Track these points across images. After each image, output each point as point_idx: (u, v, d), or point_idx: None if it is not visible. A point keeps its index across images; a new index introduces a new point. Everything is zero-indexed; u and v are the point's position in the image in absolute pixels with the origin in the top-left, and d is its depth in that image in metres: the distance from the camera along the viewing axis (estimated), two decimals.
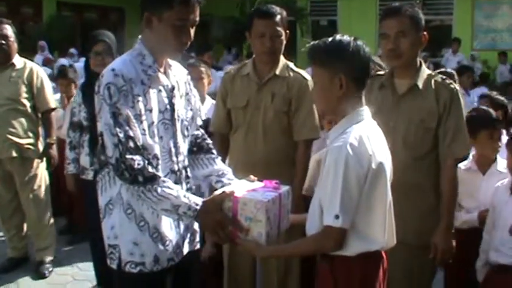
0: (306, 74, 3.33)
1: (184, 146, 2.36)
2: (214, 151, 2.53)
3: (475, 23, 13.23)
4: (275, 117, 3.19)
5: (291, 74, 3.24)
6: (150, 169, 2.08)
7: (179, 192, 2.11)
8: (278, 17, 3.11)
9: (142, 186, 2.07)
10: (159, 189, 2.08)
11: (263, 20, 3.11)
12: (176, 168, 2.28)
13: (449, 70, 4.96)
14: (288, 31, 3.23)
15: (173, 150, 2.27)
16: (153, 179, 2.08)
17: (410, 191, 2.72)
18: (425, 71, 2.80)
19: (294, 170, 3.23)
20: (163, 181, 2.11)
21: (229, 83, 3.33)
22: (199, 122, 2.51)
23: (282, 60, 3.27)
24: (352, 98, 2.06)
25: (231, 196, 2.09)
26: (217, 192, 2.18)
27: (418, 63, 2.80)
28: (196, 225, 2.42)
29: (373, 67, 5.18)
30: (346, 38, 2.06)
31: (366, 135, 2.01)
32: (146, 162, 2.10)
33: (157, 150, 2.20)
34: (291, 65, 3.33)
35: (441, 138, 2.72)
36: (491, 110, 3.46)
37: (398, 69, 2.77)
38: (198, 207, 2.10)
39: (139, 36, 2.27)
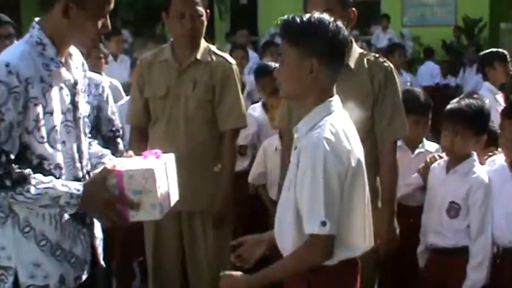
0: (230, 57, 3.34)
1: (86, 148, 2.30)
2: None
3: None
4: (198, 107, 3.18)
5: (214, 58, 3.23)
6: (16, 169, 1.98)
7: (55, 182, 2.03)
8: None
9: (12, 191, 1.98)
10: (32, 189, 1.99)
11: None
12: (81, 174, 2.22)
13: None
14: (208, 10, 3.23)
15: (77, 155, 2.20)
16: (22, 179, 1.98)
17: None
18: (356, 50, 2.85)
19: (221, 162, 3.24)
20: (34, 177, 2.00)
21: (145, 70, 3.29)
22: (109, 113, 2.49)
23: (203, 43, 3.26)
24: (323, 86, 2.01)
25: (114, 171, 2.06)
26: (96, 171, 2.14)
27: (350, 41, 2.85)
28: (100, 234, 2.39)
29: None
30: (326, 17, 2.00)
31: (341, 128, 1.97)
32: (11, 161, 1.98)
33: (59, 158, 2.11)
34: (214, 48, 3.32)
35: (378, 121, 2.79)
36: (421, 94, 3.57)
37: None
38: (80, 193, 2.04)
39: (36, 20, 2.13)
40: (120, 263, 4.16)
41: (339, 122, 1.99)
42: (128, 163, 2.15)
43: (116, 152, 2.65)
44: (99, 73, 5.18)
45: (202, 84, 3.18)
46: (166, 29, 13.98)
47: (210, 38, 3.40)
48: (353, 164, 1.95)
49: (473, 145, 3.02)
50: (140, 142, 3.33)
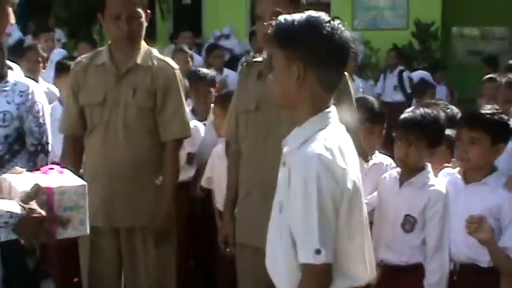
0: (173, 62, 3.30)
1: None
2: None
3: (354, 0, 13.85)
4: (138, 115, 3.13)
5: (155, 62, 3.19)
6: None
7: None
8: None
9: None
10: None
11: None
12: None
13: None
14: (149, 11, 3.18)
15: None
16: None
17: None
18: None
19: (163, 174, 3.20)
20: None
21: (81, 74, 3.23)
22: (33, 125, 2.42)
23: (144, 46, 3.22)
24: (317, 95, 1.92)
25: (44, 188, 2.08)
26: (25, 188, 2.12)
27: None
28: None
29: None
30: (321, 15, 1.92)
31: (337, 144, 1.88)
32: None
33: None
34: (155, 51, 3.28)
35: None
36: (374, 102, 3.59)
37: None
38: (19, 212, 2.02)
39: None
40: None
41: (335, 137, 1.90)
42: (42, 178, 2.18)
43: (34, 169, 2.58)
44: (35, 78, 5.06)
45: (142, 90, 3.13)
46: (104, 30, 13.90)
47: (152, 40, 3.34)
48: (349, 185, 1.86)
49: (428, 156, 3.03)
50: (75, 153, 3.28)
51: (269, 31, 1.95)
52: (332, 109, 1.96)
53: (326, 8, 14.00)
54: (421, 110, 3.05)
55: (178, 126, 3.18)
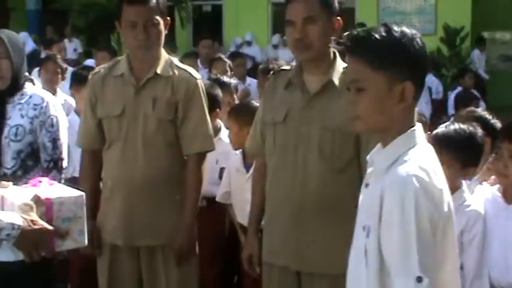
0: (195, 71, 3.26)
1: None
2: None
3: (380, 6, 13.78)
4: (158, 128, 3.09)
5: (176, 72, 3.15)
6: None
7: None
8: (153, 1, 3.02)
9: None
10: None
11: (134, 7, 3.00)
12: None
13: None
14: (168, 18, 3.15)
15: None
16: None
17: (329, 210, 2.71)
18: (340, 64, 2.79)
19: (185, 191, 3.16)
20: None
21: (98, 86, 3.19)
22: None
23: (164, 55, 3.18)
24: (409, 113, 1.87)
25: (43, 200, 2.11)
26: (24, 200, 2.12)
27: (332, 54, 2.79)
28: None
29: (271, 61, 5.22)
30: (405, 29, 1.84)
31: (430, 164, 1.83)
32: None
33: None
34: (176, 61, 3.25)
35: (363, 146, 2.71)
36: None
37: (308, 62, 2.75)
38: (21, 224, 2.07)
39: None
40: None
41: (426, 156, 1.85)
42: (35, 191, 2.21)
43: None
44: (53, 89, 5.05)
45: (163, 102, 3.09)
46: (123, 39, 14.00)
47: (171, 49, 3.30)
48: (445, 208, 1.80)
49: (462, 177, 2.90)
50: (93, 168, 3.24)
51: (352, 48, 1.87)
52: (418, 126, 1.91)
53: (351, 13, 13.97)
54: (456, 126, 2.91)
55: (201, 139, 3.14)
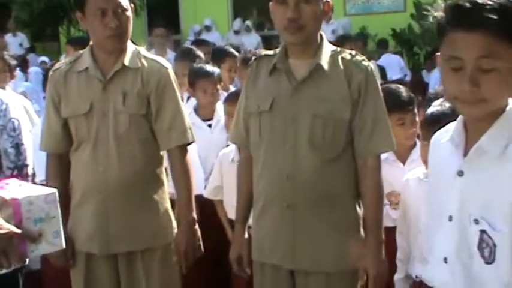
0: (164, 60, 3.23)
1: None
2: None
3: None
4: (130, 124, 3.06)
5: (145, 63, 3.12)
6: None
7: None
8: None
9: None
10: None
11: None
12: None
13: None
14: (133, 5, 3.12)
15: None
16: None
17: (323, 204, 2.71)
18: (328, 47, 2.78)
19: (176, 187, 3.15)
20: None
21: (60, 83, 3.13)
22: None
23: (131, 45, 3.15)
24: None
25: (9, 200, 2.04)
26: None
27: (319, 37, 2.78)
28: None
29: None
30: None
31: None
32: None
33: None
34: (143, 50, 3.21)
35: (357, 132, 2.73)
36: (402, 89, 3.52)
37: (296, 46, 2.74)
38: None
39: None
40: None
41: None
42: (11, 192, 2.14)
43: None
44: (2, 89, 4.93)
45: (133, 95, 3.05)
46: (73, 31, 13.78)
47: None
48: None
49: None
50: (60, 173, 3.18)
51: (475, 18, 1.71)
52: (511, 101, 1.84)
53: None
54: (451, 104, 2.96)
55: (179, 132, 3.11)
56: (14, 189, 2.15)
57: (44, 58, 11.64)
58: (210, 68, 4.71)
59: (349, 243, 2.75)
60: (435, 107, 2.99)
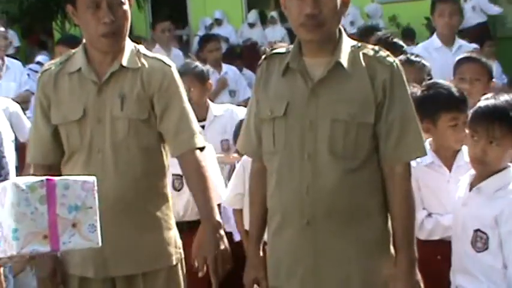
0: (167, 58, 3.25)
1: None
2: None
3: None
4: (130, 131, 3.07)
5: (145, 62, 3.13)
6: None
7: None
8: None
9: None
10: None
11: None
12: None
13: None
14: None
15: None
16: None
17: (347, 219, 2.72)
18: (348, 42, 2.79)
19: (193, 194, 3.16)
20: None
21: (50, 86, 3.15)
22: None
23: (129, 43, 3.16)
24: None
25: (43, 180, 2.05)
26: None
27: (337, 32, 2.78)
28: None
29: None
30: None
31: None
32: None
33: None
34: (143, 48, 3.23)
35: (383, 137, 2.73)
36: (452, 87, 3.51)
37: (313, 44, 2.74)
38: None
39: None
40: None
41: None
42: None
43: None
44: None
45: (132, 99, 3.07)
46: (68, 27, 13.87)
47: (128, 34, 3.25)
48: None
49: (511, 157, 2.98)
50: None
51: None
52: None
53: None
54: (506, 97, 3.00)
55: (188, 135, 3.11)
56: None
57: (43, 57, 11.59)
58: (194, 63, 4.78)
59: (379, 263, 2.75)
60: (486, 99, 3.03)
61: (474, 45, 6.15)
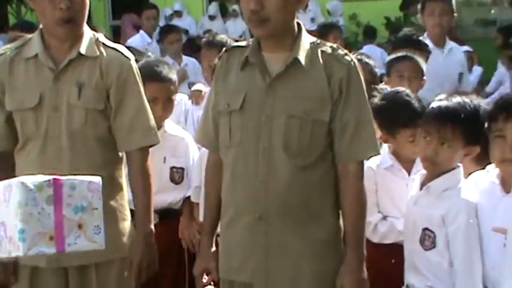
0: (126, 50, 3.23)
1: None
2: None
3: None
4: (86, 120, 3.06)
5: (104, 51, 3.12)
6: None
7: None
8: None
9: None
10: None
11: None
12: None
13: None
14: None
15: None
16: None
17: (299, 215, 2.73)
18: (307, 39, 2.80)
19: (133, 194, 3.17)
20: None
21: (5, 71, 3.11)
22: None
23: (88, 31, 3.14)
24: None
25: (50, 180, 2.02)
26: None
27: (296, 27, 2.79)
28: None
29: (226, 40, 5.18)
30: None
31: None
32: None
33: None
34: (102, 37, 3.20)
35: (337, 135, 2.75)
36: (412, 100, 3.47)
37: (268, 39, 2.75)
38: None
39: None
40: None
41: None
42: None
43: None
44: None
45: (90, 88, 3.05)
46: (24, 11, 13.68)
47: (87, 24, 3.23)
48: None
49: (462, 158, 3.00)
50: (2, 174, 3.10)
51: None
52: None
53: None
54: (459, 99, 3.03)
55: (141, 131, 3.12)
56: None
57: None
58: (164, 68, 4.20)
59: (330, 263, 2.77)
60: (440, 100, 3.05)
61: (466, 48, 5.98)
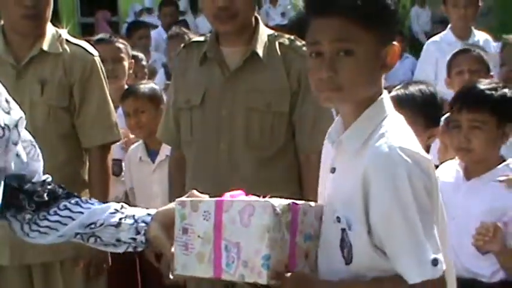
0: (90, 47, 3.23)
1: None
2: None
3: None
4: (49, 117, 3.06)
5: (68, 48, 3.12)
6: None
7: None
8: None
9: None
10: None
11: None
12: None
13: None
14: None
15: None
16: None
17: None
18: (264, 31, 2.82)
19: (90, 191, 3.14)
20: None
21: None
22: None
23: (51, 27, 3.14)
24: (380, 81, 1.92)
25: (290, 205, 1.87)
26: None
27: (254, 21, 2.81)
28: None
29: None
30: None
31: (410, 132, 1.88)
32: None
33: None
34: (65, 33, 3.20)
35: (298, 126, 2.76)
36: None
37: (230, 34, 2.76)
38: None
39: None
40: None
41: (404, 126, 1.90)
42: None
43: None
44: None
45: (53, 85, 3.05)
46: None
47: (54, 20, 3.23)
48: (435, 179, 1.86)
49: (426, 141, 3.03)
50: None
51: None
52: (385, 94, 1.94)
53: None
54: (415, 86, 3.03)
55: (103, 128, 3.13)
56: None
57: None
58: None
59: None
60: (398, 89, 3.05)
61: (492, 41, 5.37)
